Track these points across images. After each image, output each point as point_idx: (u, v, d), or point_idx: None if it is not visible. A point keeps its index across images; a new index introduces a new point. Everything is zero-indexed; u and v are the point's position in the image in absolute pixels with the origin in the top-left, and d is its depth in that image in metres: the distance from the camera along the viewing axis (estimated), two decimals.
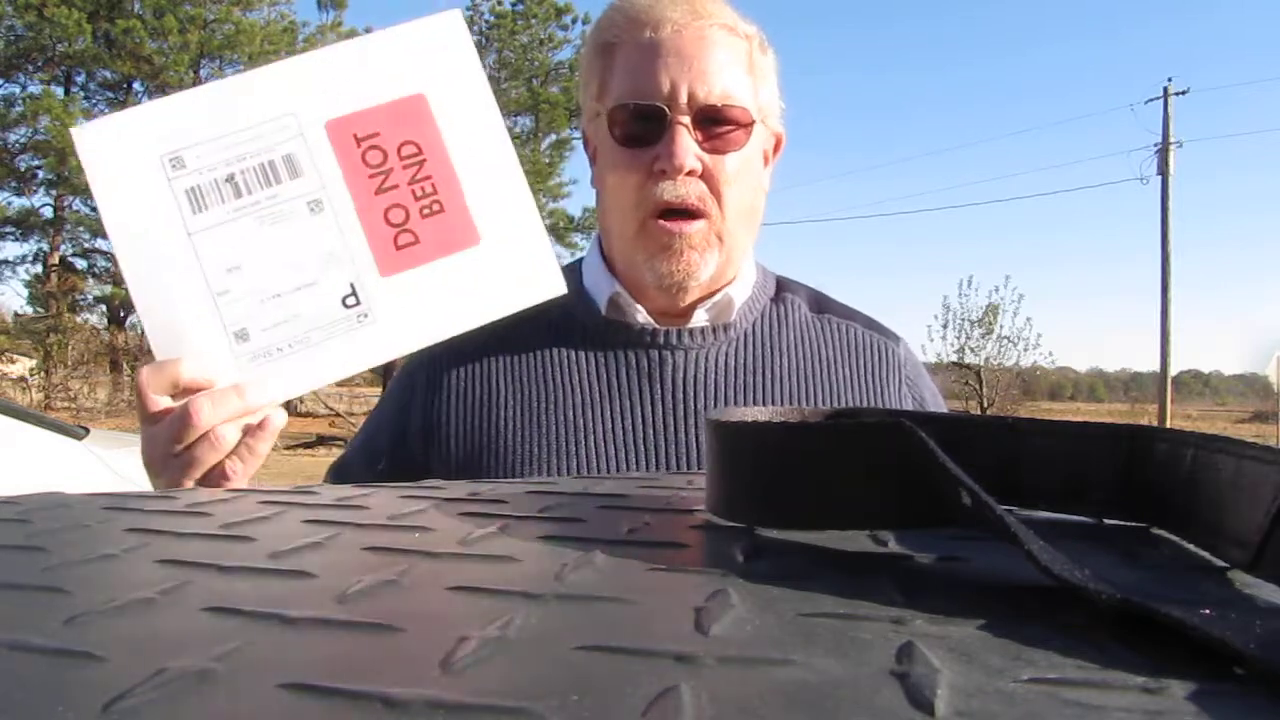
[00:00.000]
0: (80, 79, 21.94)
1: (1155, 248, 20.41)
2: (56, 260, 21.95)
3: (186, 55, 20.68)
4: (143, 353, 21.36)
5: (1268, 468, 0.32)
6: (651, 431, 0.93)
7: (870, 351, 1.03)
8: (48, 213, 21.47)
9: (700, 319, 0.97)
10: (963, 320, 20.96)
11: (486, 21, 23.41)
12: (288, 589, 0.29)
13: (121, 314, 22.96)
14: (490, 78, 0.85)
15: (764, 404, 0.95)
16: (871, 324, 1.06)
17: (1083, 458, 0.41)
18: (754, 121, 0.91)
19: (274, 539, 0.37)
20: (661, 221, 0.90)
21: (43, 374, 18.80)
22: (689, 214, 0.90)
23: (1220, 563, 0.35)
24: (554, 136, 23.78)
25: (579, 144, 1.06)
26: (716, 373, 0.96)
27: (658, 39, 0.89)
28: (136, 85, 22.00)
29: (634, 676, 0.21)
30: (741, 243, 0.96)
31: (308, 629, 0.25)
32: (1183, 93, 21.10)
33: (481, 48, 23.28)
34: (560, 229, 22.89)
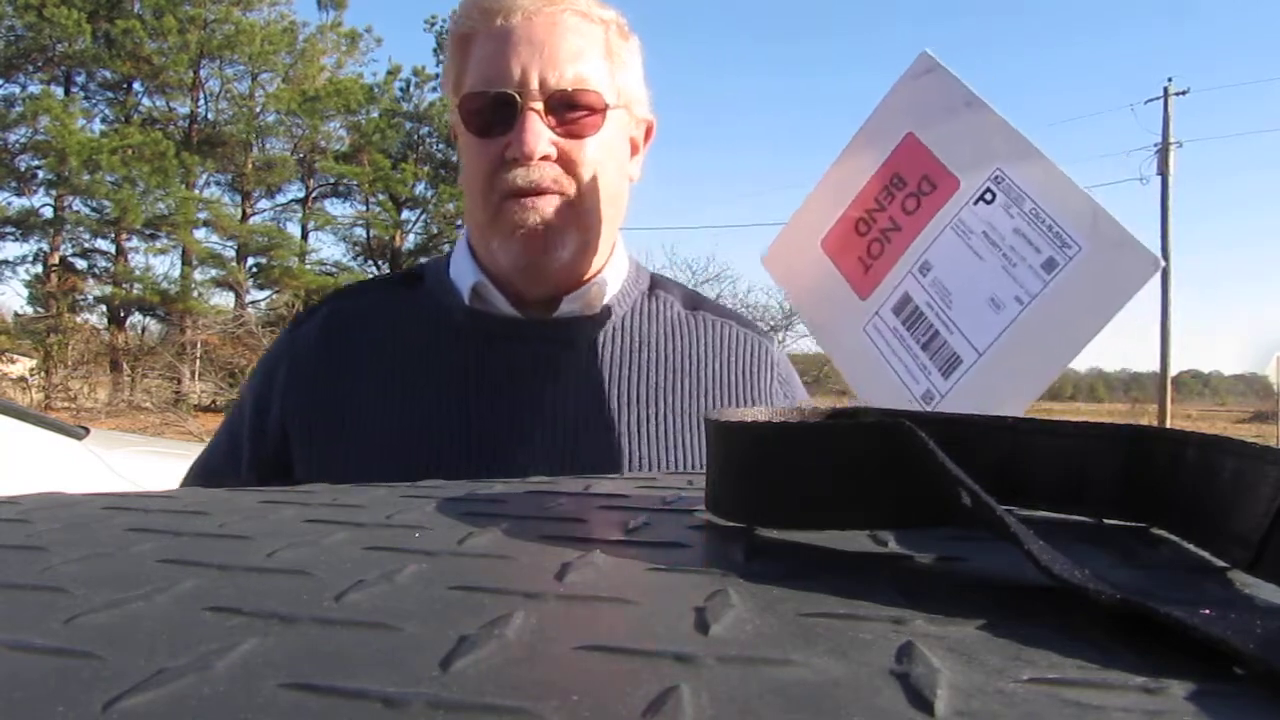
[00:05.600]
0: (80, 79, 21.94)
1: (1155, 248, 20.37)
2: (56, 260, 21.95)
3: (186, 55, 20.69)
4: (143, 353, 21.40)
5: (1268, 467, 0.32)
6: (517, 421, 0.90)
7: (744, 349, 1.02)
8: (48, 213, 21.47)
9: (567, 309, 0.95)
10: None
11: None
12: (288, 589, 0.29)
13: (121, 314, 22.97)
14: None
15: (631, 397, 0.93)
16: (746, 322, 1.05)
17: (1083, 458, 0.41)
18: (609, 106, 0.90)
19: (274, 538, 0.37)
20: (509, 202, 0.88)
21: (43, 374, 18.78)
22: (538, 195, 0.88)
23: (1220, 563, 0.35)
24: None
25: None
26: (583, 364, 0.93)
27: (509, 26, 0.87)
28: (136, 85, 22.00)
29: (634, 676, 0.21)
30: (604, 230, 0.94)
31: (308, 629, 0.25)
32: (1183, 93, 21.10)
33: None
34: None
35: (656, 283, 1.04)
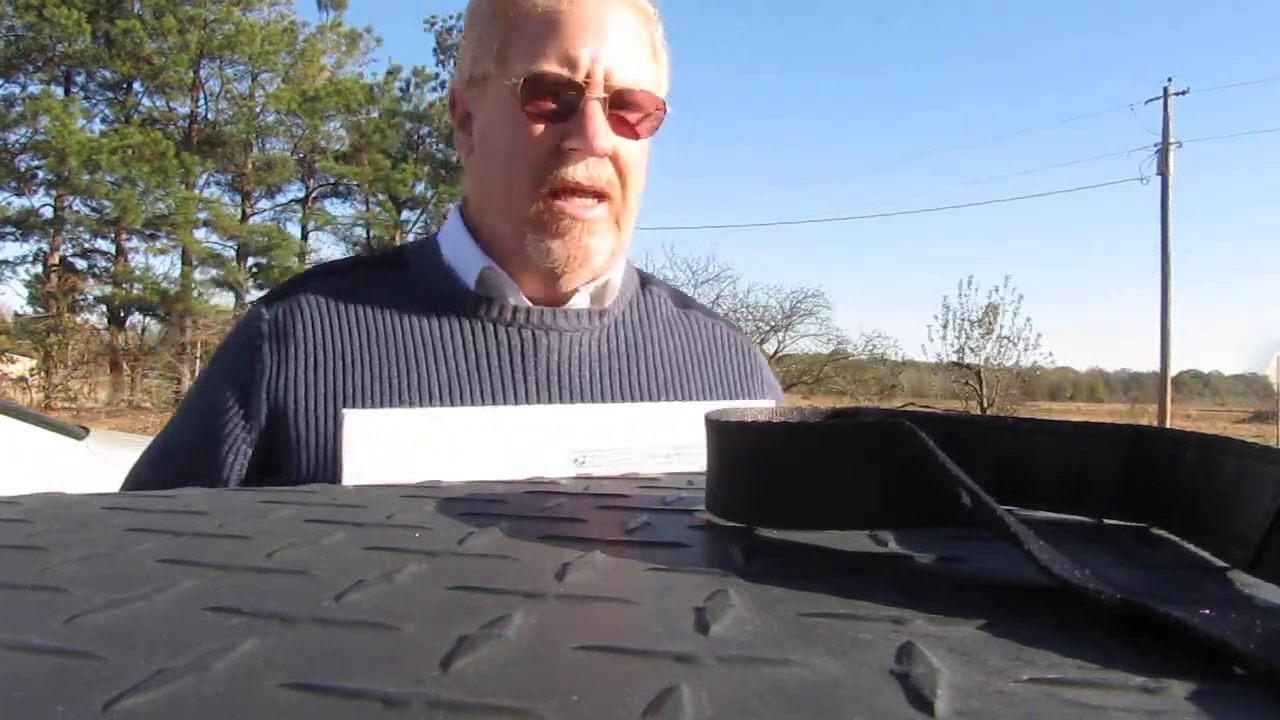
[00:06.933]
0: (80, 79, 21.93)
1: (1155, 248, 20.41)
2: (56, 260, 21.93)
3: (186, 55, 20.68)
4: (142, 353, 21.39)
5: (1268, 468, 0.32)
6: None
7: (735, 350, 1.03)
8: (48, 213, 21.46)
9: (580, 301, 0.93)
10: (963, 320, 20.98)
11: None
12: (288, 589, 0.29)
13: (121, 314, 22.96)
14: None
15: (635, 392, 0.93)
16: (732, 324, 1.07)
17: (1083, 458, 0.41)
18: (663, 109, 0.89)
19: (274, 539, 0.37)
20: (560, 203, 0.86)
21: (43, 374, 18.78)
22: (592, 196, 0.86)
23: (1220, 563, 0.35)
24: None
25: None
26: (591, 357, 0.92)
27: (565, 7, 0.85)
28: (136, 85, 22.01)
29: (634, 676, 0.21)
30: (632, 229, 0.94)
31: (308, 629, 0.25)
32: (1183, 93, 21.10)
33: None
34: None
35: (646, 279, 1.04)
